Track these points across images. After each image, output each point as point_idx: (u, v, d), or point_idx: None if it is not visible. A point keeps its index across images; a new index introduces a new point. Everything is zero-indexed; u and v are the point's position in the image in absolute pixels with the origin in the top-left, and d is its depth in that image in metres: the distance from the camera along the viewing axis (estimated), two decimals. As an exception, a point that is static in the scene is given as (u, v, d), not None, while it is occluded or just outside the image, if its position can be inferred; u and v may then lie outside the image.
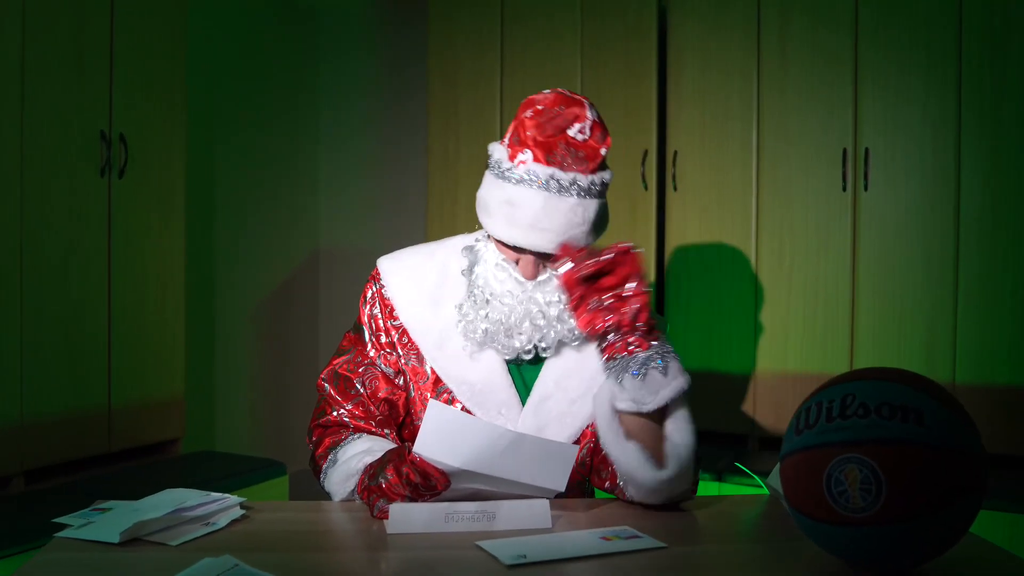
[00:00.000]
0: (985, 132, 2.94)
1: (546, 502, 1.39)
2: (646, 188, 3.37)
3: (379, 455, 1.53)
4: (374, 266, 1.74)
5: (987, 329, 2.94)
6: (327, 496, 1.64)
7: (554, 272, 1.56)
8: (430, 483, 1.37)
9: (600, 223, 1.59)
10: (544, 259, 1.58)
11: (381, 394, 1.67)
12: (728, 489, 2.93)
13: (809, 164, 3.17)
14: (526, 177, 1.52)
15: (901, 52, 3.04)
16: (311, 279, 4.48)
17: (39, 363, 2.78)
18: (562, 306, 1.57)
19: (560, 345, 1.62)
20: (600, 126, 1.55)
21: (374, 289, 1.71)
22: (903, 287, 3.06)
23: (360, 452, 1.59)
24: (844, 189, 3.11)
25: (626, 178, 3.39)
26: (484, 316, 1.58)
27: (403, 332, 1.68)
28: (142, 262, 3.11)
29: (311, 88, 4.48)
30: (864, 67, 3.09)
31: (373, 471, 1.48)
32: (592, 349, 1.60)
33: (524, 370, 1.66)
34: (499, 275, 1.59)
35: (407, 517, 1.36)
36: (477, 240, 1.67)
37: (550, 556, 1.24)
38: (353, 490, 1.56)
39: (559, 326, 1.58)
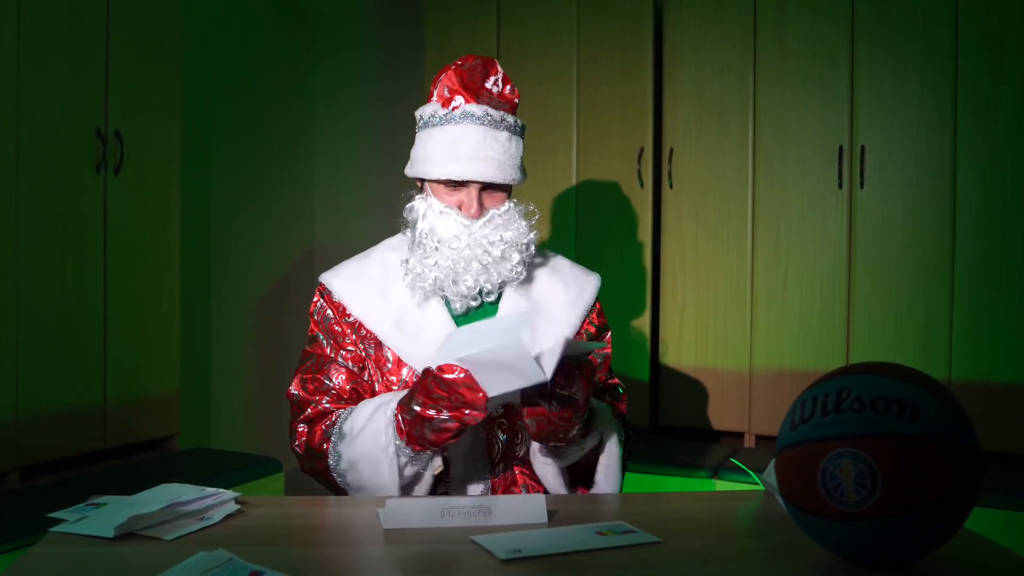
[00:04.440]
0: (981, 129, 2.94)
1: (542, 498, 1.39)
2: (642, 185, 3.36)
3: (392, 402, 1.58)
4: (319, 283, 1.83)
5: (983, 326, 2.94)
6: (323, 492, 1.65)
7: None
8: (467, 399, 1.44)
9: (523, 164, 1.76)
10: (486, 191, 1.70)
11: (348, 385, 1.73)
12: (724, 486, 2.93)
13: (805, 161, 3.17)
14: (464, 116, 1.69)
15: (897, 48, 3.04)
16: (306, 276, 4.48)
17: (35, 359, 2.78)
18: (504, 245, 1.68)
19: (503, 288, 1.74)
20: (510, 80, 1.77)
21: (321, 300, 1.80)
22: (899, 284, 3.06)
23: (373, 408, 1.61)
24: (840, 186, 3.11)
25: (622, 175, 3.39)
26: (434, 264, 1.68)
27: (359, 326, 1.75)
28: (138, 259, 3.11)
29: (307, 86, 4.48)
30: (860, 63, 3.09)
31: (405, 406, 1.53)
32: (534, 297, 1.78)
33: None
34: (444, 222, 1.69)
35: (403, 512, 1.36)
36: (414, 201, 1.76)
37: (545, 551, 1.24)
38: (391, 440, 1.57)
39: (501, 266, 1.69)
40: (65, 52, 2.84)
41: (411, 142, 4.87)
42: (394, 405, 1.57)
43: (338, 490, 1.70)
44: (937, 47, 2.98)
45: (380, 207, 4.41)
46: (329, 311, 1.78)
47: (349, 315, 1.76)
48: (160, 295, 3.19)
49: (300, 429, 1.71)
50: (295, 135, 4.41)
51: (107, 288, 3.00)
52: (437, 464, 1.59)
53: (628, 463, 1.78)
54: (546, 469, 1.67)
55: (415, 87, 4.17)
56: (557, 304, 1.79)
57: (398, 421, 1.55)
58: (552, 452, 1.63)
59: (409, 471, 1.58)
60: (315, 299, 1.82)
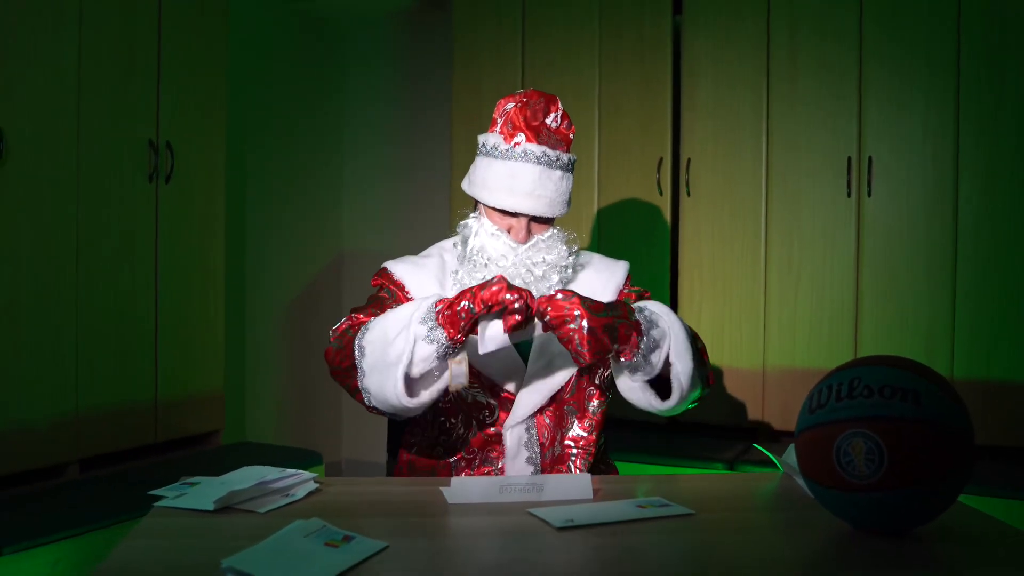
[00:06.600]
0: (982, 141, 3.09)
1: (588, 476, 1.57)
2: (661, 194, 3.53)
3: (431, 299, 1.67)
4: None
5: (982, 327, 3.09)
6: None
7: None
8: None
9: (570, 197, 1.92)
10: (535, 220, 1.88)
11: None
12: (739, 478, 3.09)
13: (816, 172, 3.33)
14: (524, 154, 1.84)
15: (903, 65, 3.19)
16: (335, 280, 4.65)
17: (93, 358, 2.95)
18: (546, 266, 1.86)
19: None
20: (567, 116, 1.90)
21: (381, 278, 1.94)
22: (904, 288, 3.21)
23: (411, 304, 1.70)
24: (849, 195, 3.28)
25: (642, 184, 3.56)
26: (481, 278, 1.84)
27: None
28: (186, 264, 3.28)
29: (338, 99, 4.64)
30: (868, 80, 3.24)
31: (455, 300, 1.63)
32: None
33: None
34: (494, 243, 1.87)
35: (465, 489, 1.54)
36: (469, 218, 1.92)
37: (595, 520, 1.42)
38: (419, 309, 1.64)
39: (541, 284, 1.86)
40: (121, 71, 3.02)
41: (436, 152, 4.99)
42: (435, 298, 1.66)
43: (353, 388, 1.72)
44: (941, 64, 3.13)
45: (406, 214, 4.58)
46: (391, 285, 1.91)
47: (408, 292, 1.90)
48: (206, 298, 3.36)
49: (331, 334, 1.80)
50: (325, 146, 4.57)
51: (158, 291, 3.17)
52: (460, 357, 1.64)
53: (701, 348, 1.86)
54: (631, 387, 1.76)
55: (441, 100, 4.33)
56: (591, 289, 1.93)
57: (438, 310, 1.63)
58: (630, 369, 1.72)
59: (424, 348, 1.62)
60: (375, 279, 1.94)
